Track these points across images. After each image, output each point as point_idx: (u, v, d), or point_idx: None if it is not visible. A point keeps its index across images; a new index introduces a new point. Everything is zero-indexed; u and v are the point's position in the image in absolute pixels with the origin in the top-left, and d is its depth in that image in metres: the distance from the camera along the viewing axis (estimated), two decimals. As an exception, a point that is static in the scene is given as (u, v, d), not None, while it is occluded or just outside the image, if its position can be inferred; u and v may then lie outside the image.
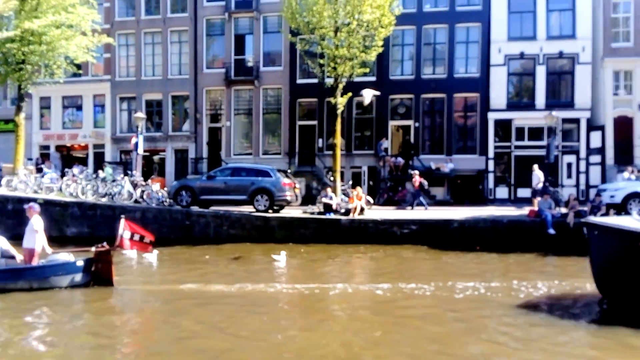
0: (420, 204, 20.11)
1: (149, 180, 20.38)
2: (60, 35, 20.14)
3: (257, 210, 17.68)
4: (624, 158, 23.21)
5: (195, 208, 18.14)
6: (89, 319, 8.74)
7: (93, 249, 10.56)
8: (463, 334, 7.64)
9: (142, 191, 18.93)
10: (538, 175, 19.99)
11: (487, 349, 6.95)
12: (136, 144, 20.77)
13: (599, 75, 23.83)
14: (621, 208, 16.60)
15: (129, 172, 21.74)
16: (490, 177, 24.46)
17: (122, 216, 11.24)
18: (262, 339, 7.39)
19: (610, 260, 8.34)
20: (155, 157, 27.97)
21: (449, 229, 16.46)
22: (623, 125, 23.54)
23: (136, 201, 18.75)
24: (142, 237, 10.95)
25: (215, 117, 27.50)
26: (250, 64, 26.74)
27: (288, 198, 18.02)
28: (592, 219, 8.85)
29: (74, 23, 20.45)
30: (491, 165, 24.45)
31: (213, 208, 18.37)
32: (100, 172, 21.41)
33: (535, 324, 8.01)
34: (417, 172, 21.28)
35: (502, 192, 24.41)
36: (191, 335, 7.58)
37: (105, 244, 10.63)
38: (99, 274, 10.54)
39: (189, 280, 11.15)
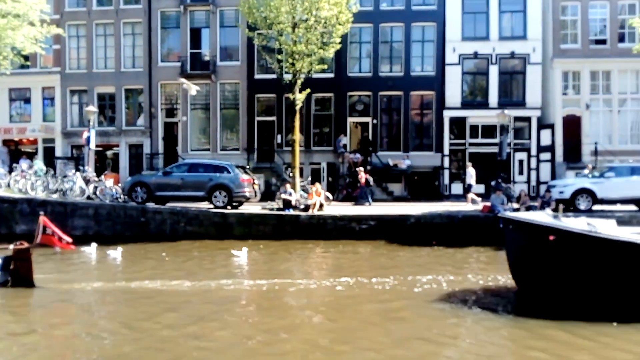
0: (366, 200, 20.28)
1: (102, 176, 19.78)
2: (6, 24, 19.22)
3: (215, 207, 17.46)
4: (572, 156, 24.20)
5: (151, 204, 17.73)
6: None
7: (11, 246, 10.03)
8: (417, 329, 7.78)
9: (95, 187, 18.35)
10: (471, 173, 20.74)
11: (432, 347, 7.04)
12: (88, 139, 20.13)
13: (549, 76, 24.72)
14: (570, 203, 17.28)
15: (81, 167, 21.02)
16: (446, 173, 25.00)
17: (41, 213, 10.73)
18: (218, 339, 7.28)
19: (524, 253, 8.73)
20: (109, 153, 27.18)
21: (406, 225, 16.71)
22: (572, 123, 24.51)
23: (89, 197, 18.16)
24: (60, 238, 10.34)
25: (171, 112, 26.93)
26: (206, 58, 26.30)
27: (247, 194, 17.87)
28: (507, 213, 9.29)
29: (21, 12, 19.54)
30: (447, 162, 24.99)
31: (170, 204, 18.02)
32: (23, 164, 20.68)
33: (451, 316, 8.22)
34: (362, 169, 21.77)
35: (457, 188, 24.98)
36: (112, 334, 7.39)
37: (24, 241, 10.16)
38: (17, 273, 9.99)
39: (140, 278, 10.88)
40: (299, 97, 19.23)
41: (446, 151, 25.00)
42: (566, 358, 6.47)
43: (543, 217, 8.89)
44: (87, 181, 18.55)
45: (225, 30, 26.11)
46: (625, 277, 7.73)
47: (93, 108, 21.81)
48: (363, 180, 20.74)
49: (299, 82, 19.23)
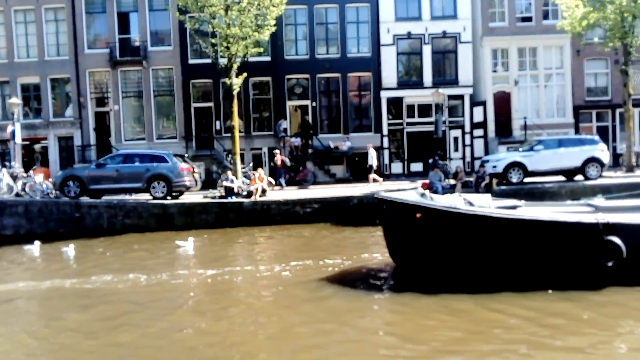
0: (279, 183, 20.41)
1: (31, 172, 18.76)
2: None
3: (155, 198, 16.97)
4: (503, 131, 25.21)
5: (85, 199, 17.01)
6: None
7: None
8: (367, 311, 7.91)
9: (24, 183, 17.37)
10: (372, 154, 21.18)
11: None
12: (13, 133, 18.98)
13: (479, 54, 25.52)
14: (503, 177, 18.05)
15: (7, 163, 19.81)
16: (386, 153, 25.45)
17: None
18: (166, 334, 7.13)
19: (397, 231, 9.11)
20: (37, 146, 25.71)
21: (349, 205, 16.90)
22: (502, 100, 25.49)
23: (18, 195, 17.17)
24: None
25: (101, 101, 25.78)
26: (136, 44, 25.27)
27: (187, 183, 17.48)
28: (381, 193, 9.56)
29: None
30: (386, 142, 25.42)
31: (105, 198, 17.36)
32: None
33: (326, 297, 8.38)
34: (277, 151, 22.09)
35: (396, 167, 25.54)
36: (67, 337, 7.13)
37: None
38: None
39: (87, 274, 10.46)
40: (236, 82, 18.90)
41: (385, 131, 25.42)
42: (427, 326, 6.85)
43: (412, 196, 9.24)
44: (14, 177, 17.51)
45: (155, 14, 25.13)
46: (485, 248, 8.19)
47: (17, 100, 20.58)
48: (279, 163, 20.91)
49: (235, 66, 18.87)
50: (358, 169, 25.13)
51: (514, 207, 9.48)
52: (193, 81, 25.24)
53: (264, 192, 17.63)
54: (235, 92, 19.11)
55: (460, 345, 6.27)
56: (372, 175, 20.57)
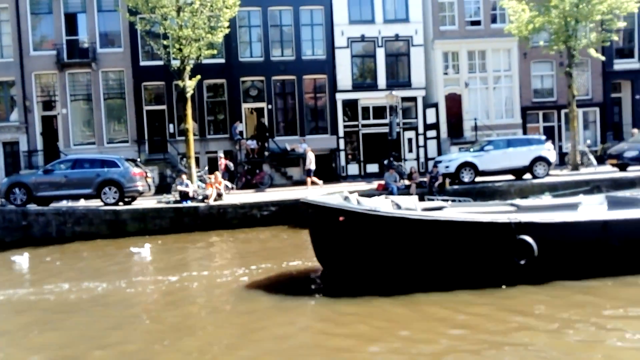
0: (226, 186, 20.01)
1: (-28, 179, 17.90)
2: None
3: (106, 204, 16.49)
4: (455, 132, 25.84)
5: (32, 206, 16.36)
6: None
7: None
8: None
9: (-36, 192, 16.56)
10: (310, 158, 20.46)
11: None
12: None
13: (431, 57, 26.06)
14: (455, 176, 18.50)
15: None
16: (342, 155, 25.63)
17: None
18: (122, 345, 6.94)
19: (322, 235, 9.05)
20: (-22, 153, 24.54)
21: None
22: (453, 101, 26.11)
23: (-43, 204, 16.36)
24: None
25: (48, 105, 24.83)
26: (85, 45, 24.49)
27: (140, 188, 17.07)
28: (307, 197, 9.42)
29: None
30: (342, 143, 25.59)
31: (54, 205, 16.74)
32: None
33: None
34: (222, 155, 21.89)
35: (353, 168, 25.76)
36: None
37: None
38: None
39: (38, 284, 10.04)
40: (189, 84, 18.61)
41: (341, 133, 25.59)
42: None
43: (335, 199, 9.17)
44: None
45: (104, 14, 24.41)
46: (405, 249, 8.26)
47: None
48: (223, 167, 20.72)
49: (188, 68, 18.59)
50: (315, 171, 25.14)
51: (439, 208, 9.64)
52: (145, 84, 24.68)
53: (220, 196, 17.43)
54: (188, 95, 18.82)
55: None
56: (311, 179, 20.14)
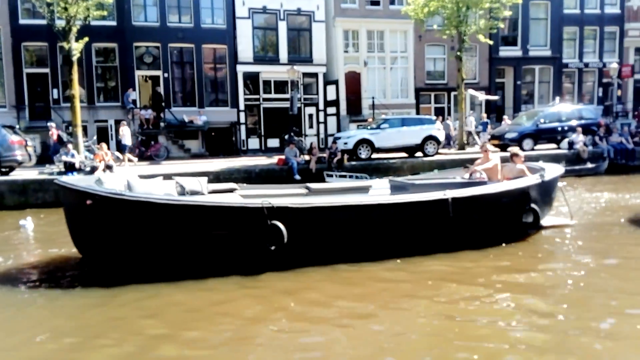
0: (58, 159, 18.80)
1: None
2: None
3: (-22, 175, 14.95)
4: (354, 109, 26.48)
5: None
6: None
7: None
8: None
9: None
10: (124, 133, 19.57)
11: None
12: None
13: (332, 34, 26.31)
14: (353, 153, 19.01)
15: None
16: (243, 128, 25.27)
17: None
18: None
19: (76, 219, 8.20)
20: None
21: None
22: (353, 80, 26.68)
23: None
24: None
25: None
26: (-48, -4, 21.74)
27: (18, 158, 15.67)
28: (59, 179, 8.27)
29: None
30: (242, 117, 25.21)
31: None
32: None
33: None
34: (53, 124, 19.74)
35: (253, 142, 25.53)
36: None
37: None
38: None
39: None
40: (76, 47, 17.20)
41: (242, 107, 25.18)
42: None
43: (86, 181, 8.32)
44: None
45: (-26, -38, 21.77)
46: (157, 235, 7.55)
47: None
48: (55, 137, 18.97)
49: (75, 29, 17.14)
50: (214, 144, 24.68)
51: (230, 191, 9.21)
52: (25, 44, 22.45)
53: (109, 168, 16.47)
54: (74, 58, 17.39)
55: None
56: (127, 155, 19.19)
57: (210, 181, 15.91)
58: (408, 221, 8.15)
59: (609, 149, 20.16)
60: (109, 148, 18.43)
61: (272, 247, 7.39)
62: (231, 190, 9.26)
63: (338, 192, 9.73)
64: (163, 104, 23.75)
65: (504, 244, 8.53)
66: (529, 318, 5.64)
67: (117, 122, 22.77)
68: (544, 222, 9.82)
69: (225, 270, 7.46)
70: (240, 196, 8.73)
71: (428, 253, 8.02)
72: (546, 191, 9.46)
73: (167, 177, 9.98)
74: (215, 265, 7.55)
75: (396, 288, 6.85)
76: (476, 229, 8.59)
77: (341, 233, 7.93)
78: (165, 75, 24.23)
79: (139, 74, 24.19)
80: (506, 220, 8.87)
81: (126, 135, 19.72)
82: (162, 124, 23.26)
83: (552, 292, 6.54)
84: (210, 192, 8.87)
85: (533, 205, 8.88)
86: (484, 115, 26.07)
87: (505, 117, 26.32)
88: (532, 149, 20.71)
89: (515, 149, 10.27)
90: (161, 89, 24.10)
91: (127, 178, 8.40)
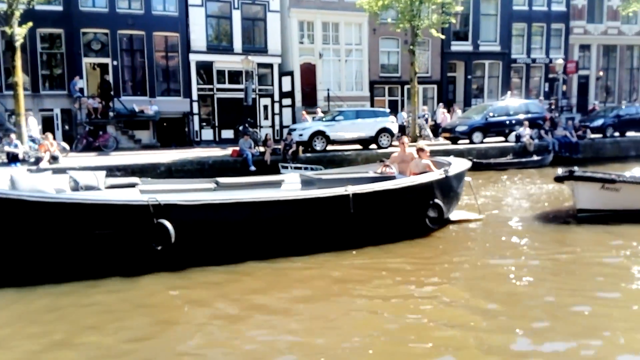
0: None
1: None
2: None
3: None
4: (309, 101, 26.44)
5: None
6: None
7: None
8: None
9: None
10: (30, 125, 18.30)
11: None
12: None
13: (287, 24, 26.14)
14: (308, 145, 19.03)
15: None
16: (196, 119, 24.82)
17: None
18: None
19: None
20: None
21: (156, 173, 16.15)
22: (308, 71, 26.62)
23: None
24: None
25: None
26: None
27: (-44, 148, 14.83)
28: None
29: None
30: (195, 107, 24.75)
31: None
32: None
33: None
34: None
35: (207, 133, 25.12)
36: None
37: None
38: None
39: None
40: (19, 32, 16.41)
41: (195, 97, 24.71)
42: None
43: None
44: None
45: None
46: (35, 234, 6.88)
47: None
48: None
49: (18, 13, 16.34)
50: (166, 135, 24.16)
51: (131, 185, 8.55)
52: (-39, 27, 21.24)
53: (54, 158, 15.87)
54: (18, 44, 16.59)
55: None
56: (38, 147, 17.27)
57: (160, 173, 15.68)
58: (307, 218, 7.83)
59: (554, 142, 20.98)
60: (54, 138, 17.74)
61: (159, 247, 6.86)
62: (132, 185, 8.58)
63: (248, 187, 9.21)
64: (112, 92, 22.97)
65: (407, 240, 8.42)
66: (427, 312, 5.73)
67: (64, 111, 21.98)
68: (453, 216, 9.90)
69: (108, 271, 6.90)
70: (140, 192, 8.01)
71: (329, 250, 7.74)
72: (451, 186, 9.45)
73: (61, 171, 9.45)
74: (99, 266, 6.96)
75: (296, 287, 6.61)
76: (379, 225, 8.38)
77: (234, 231, 7.46)
78: (115, 63, 23.47)
79: (86, 61, 23.33)
80: (410, 216, 8.74)
81: (32, 126, 18.31)
82: (111, 114, 22.54)
83: (448, 283, 6.73)
84: (108, 188, 8.29)
85: (437, 201, 8.81)
86: (425, 107, 26.69)
87: (455, 105, 27.02)
88: (482, 142, 21.31)
89: (421, 144, 10.20)
90: (110, 78, 23.32)
91: (12, 173, 7.67)
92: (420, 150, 9.72)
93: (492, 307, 5.80)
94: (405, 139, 10.46)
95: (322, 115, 22.08)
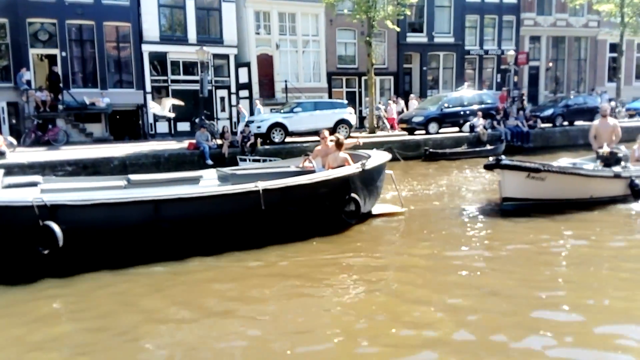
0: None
1: None
2: None
3: None
4: (267, 92, 26.25)
5: None
6: None
7: None
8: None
9: None
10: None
11: None
12: None
13: (243, 14, 25.80)
14: (267, 137, 18.92)
15: None
16: (150, 111, 24.20)
17: None
18: None
19: None
20: None
21: (110, 167, 15.73)
22: (265, 62, 26.38)
23: None
24: None
25: None
26: None
27: None
28: None
29: None
30: (149, 99, 24.14)
31: None
32: None
33: None
34: None
35: (162, 126, 24.55)
36: None
37: None
38: None
39: None
40: (-42, 21, 15.60)
41: (148, 88, 24.10)
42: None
43: None
44: None
45: None
46: None
47: None
48: None
49: (-44, 1, 15.53)
50: (119, 128, 23.51)
51: (33, 184, 8.04)
52: None
53: (2, 154, 15.20)
54: (-43, 34, 15.78)
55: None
56: None
57: (114, 167, 15.32)
58: (216, 215, 7.50)
59: (506, 132, 21.59)
60: (1, 133, 16.98)
61: (45, 252, 6.32)
62: (34, 184, 8.01)
63: (162, 184, 8.69)
64: (61, 84, 22.13)
65: (322, 236, 8.16)
66: (340, 305, 5.76)
67: (9, 105, 21.02)
68: (375, 210, 9.83)
69: None
70: (41, 191, 7.46)
71: (241, 248, 7.44)
72: (369, 179, 9.27)
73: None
74: None
75: (203, 289, 6.33)
76: (292, 221, 8.11)
77: (132, 232, 6.93)
78: (63, 54, 22.59)
79: (33, 52, 22.36)
80: (325, 211, 8.51)
81: None
82: (60, 107, 21.73)
83: (365, 276, 6.64)
84: (5, 187, 7.81)
85: (354, 195, 8.61)
86: (381, 100, 27.09)
87: (412, 95, 27.41)
88: (437, 132, 21.70)
89: (338, 136, 9.79)
90: (59, 69, 22.44)
91: None
92: (337, 143, 9.38)
93: (398, 298, 5.83)
94: (326, 133, 10.03)
95: (261, 107, 22.01)
